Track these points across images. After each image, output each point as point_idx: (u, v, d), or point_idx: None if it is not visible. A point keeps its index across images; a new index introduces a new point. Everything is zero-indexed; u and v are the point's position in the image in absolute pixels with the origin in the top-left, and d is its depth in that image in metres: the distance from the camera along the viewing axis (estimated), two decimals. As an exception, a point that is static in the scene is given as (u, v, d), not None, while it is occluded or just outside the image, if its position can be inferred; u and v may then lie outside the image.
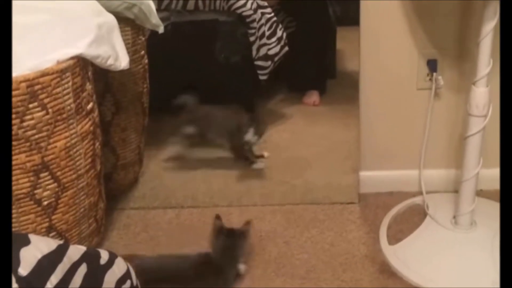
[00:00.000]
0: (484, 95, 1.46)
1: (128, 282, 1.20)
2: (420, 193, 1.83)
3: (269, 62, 2.38)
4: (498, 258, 1.38)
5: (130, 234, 1.78)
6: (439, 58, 1.74)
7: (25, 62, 1.30)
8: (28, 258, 0.94)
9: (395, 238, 1.67)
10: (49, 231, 1.44)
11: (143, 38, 1.85)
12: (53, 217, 1.44)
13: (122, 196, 1.95)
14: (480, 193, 1.63)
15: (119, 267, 1.17)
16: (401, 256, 1.59)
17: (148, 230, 1.79)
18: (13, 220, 1.39)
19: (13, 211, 1.38)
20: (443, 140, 1.84)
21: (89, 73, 1.50)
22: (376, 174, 1.91)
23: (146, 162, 2.11)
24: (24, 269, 0.93)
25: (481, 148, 1.52)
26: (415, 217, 1.77)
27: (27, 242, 0.97)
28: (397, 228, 1.73)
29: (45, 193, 1.40)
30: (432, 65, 1.75)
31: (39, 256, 0.96)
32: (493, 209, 1.66)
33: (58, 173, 1.41)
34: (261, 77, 2.40)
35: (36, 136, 1.34)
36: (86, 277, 1.05)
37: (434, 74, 1.74)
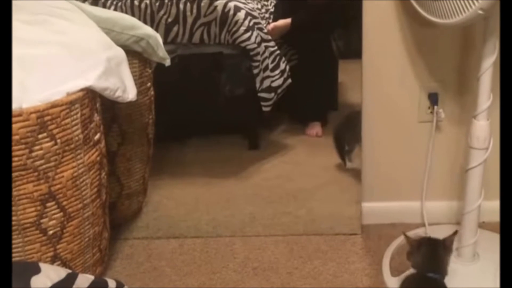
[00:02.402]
0: (484, 128, 1.48)
1: (134, 312, 1.21)
2: (422, 224, 1.84)
3: (273, 94, 2.42)
4: (501, 290, 1.38)
5: (133, 264, 1.78)
6: (440, 92, 1.77)
7: (35, 94, 1.32)
8: (38, 286, 0.95)
9: (398, 270, 1.67)
10: (53, 260, 1.44)
11: (150, 70, 1.88)
12: (58, 246, 1.44)
13: (125, 226, 1.95)
14: (482, 225, 1.63)
15: (126, 297, 1.18)
16: (404, 288, 1.59)
17: (151, 260, 1.79)
18: (19, 249, 1.39)
19: (19, 240, 1.38)
20: (444, 172, 1.86)
21: (97, 105, 1.52)
22: (379, 206, 1.92)
23: (149, 192, 2.12)
24: (34, 298, 0.94)
25: (482, 180, 1.54)
26: (417, 248, 1.77)
27: (37, 270, 0.98)
28: (400, 259, 1.73)
29: (51, 223, 1.41)
30: (433, 99, 1.77)
31: (49, 284, 0.97)
32: (496, 241, 1.66)
33: (64, 203, 1.42)
34: (264, 109, 2.43)
35: (44, 166, 1.36)
36: (93, 306, 1.06)
37: (435, 107, 1.77)
